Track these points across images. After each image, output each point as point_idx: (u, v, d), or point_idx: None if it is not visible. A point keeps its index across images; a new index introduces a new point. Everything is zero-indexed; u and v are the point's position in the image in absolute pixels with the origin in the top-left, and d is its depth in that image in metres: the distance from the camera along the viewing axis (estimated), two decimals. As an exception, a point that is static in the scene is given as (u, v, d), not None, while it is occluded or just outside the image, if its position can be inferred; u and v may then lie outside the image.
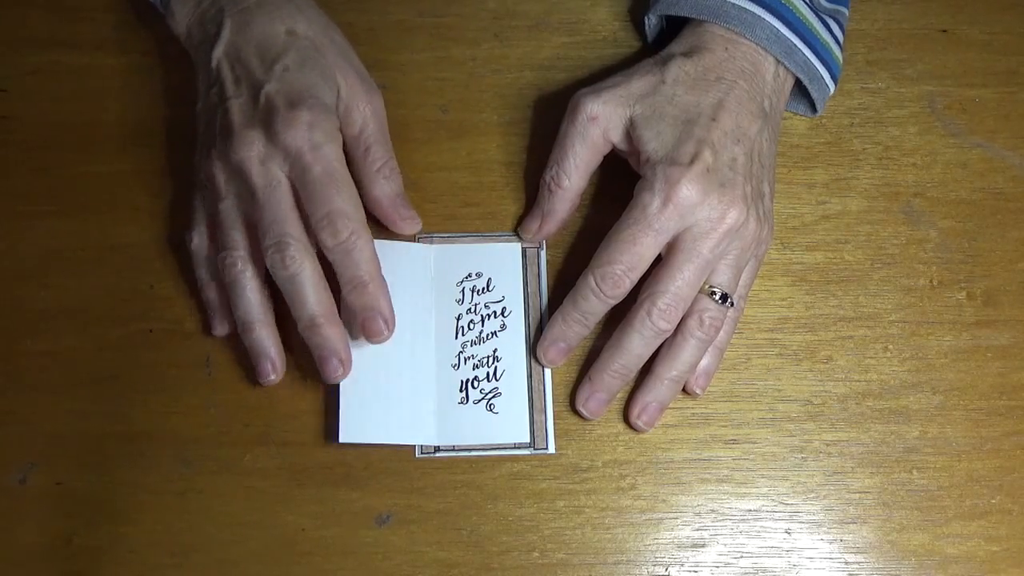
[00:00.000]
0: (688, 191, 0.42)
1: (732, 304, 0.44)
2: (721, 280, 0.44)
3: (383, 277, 0.43)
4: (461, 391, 0.46)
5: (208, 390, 0.46)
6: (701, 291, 0.43)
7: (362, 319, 0.42)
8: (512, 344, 0.47)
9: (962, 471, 0.46)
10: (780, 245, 0.49)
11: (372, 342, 0.43)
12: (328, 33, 0.46)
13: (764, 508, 0.45)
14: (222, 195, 0.44)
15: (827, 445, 0.46)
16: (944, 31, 0.53)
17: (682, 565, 0.45)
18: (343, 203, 0.42)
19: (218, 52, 0.45)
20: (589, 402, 0.45)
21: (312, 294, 0.42)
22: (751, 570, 0.45)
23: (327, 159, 0.42)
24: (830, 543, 0.45)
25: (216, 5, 0.46)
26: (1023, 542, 0.45)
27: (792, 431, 0.46)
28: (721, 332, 0.45)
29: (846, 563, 0.45)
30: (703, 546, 0.45)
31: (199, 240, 0.45)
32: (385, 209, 0.46)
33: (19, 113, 0.50)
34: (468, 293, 0.47)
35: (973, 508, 0.45)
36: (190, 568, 0.44)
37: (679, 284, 0.42)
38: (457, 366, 0.46)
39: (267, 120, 0.42)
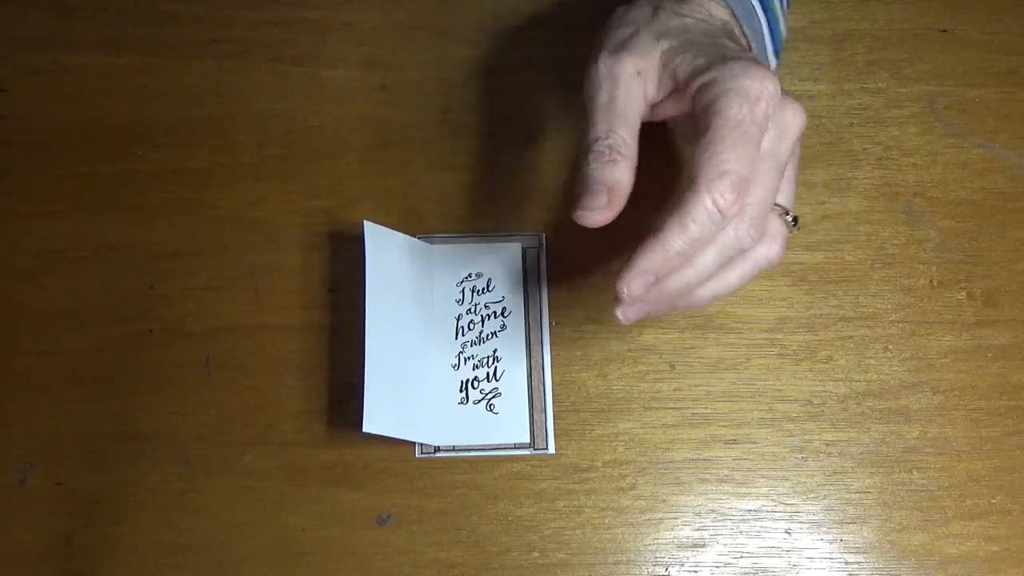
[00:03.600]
0: (773, 84, 0.36)
1: (798, 228, 0.40)
2: (785, 199, 0.39)
3: None
4: (461, 391, 0.46)
5: (208, 390, 0.46)
6: (772, 211, 0.38)
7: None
8: (512, 344, 0.47)
9: (962, 471, 0.46)
10: (780, 245, 0.49)
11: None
12: None
13: (764, 508, 0.45)
14: None
15: (827, 445, 0.46)
16: (944, 31, 0.53)
17: (682, 565, 0.45)
18: None
19: None
20: (629, 309, 0.38)
21: None
22: (751, 570, 0.45)
23: None
24: (830, 543, 0.45)
25: None
26: (1023, 542, 0.45)
27: (792, 431, 0.46)
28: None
29: (846, 563, 0.45)
30: (703, 546, 0.45)
31: None
32: None
33: (19, 113, 0.50)
34: (468, 293, 0.47)
35: (973, 508, 0.45)
36: (190, 568, 0.44)
37: (764, 193, 0.37)
38: (457, 366, 0.46)
39: None
